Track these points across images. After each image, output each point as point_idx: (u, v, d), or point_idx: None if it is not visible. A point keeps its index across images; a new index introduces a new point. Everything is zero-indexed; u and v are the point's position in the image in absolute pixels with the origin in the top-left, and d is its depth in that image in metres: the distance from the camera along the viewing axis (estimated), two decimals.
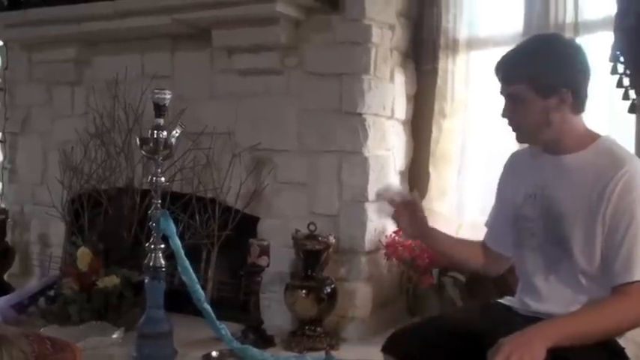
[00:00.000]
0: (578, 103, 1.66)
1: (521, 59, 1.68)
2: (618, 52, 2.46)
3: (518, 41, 2.80)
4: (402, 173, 3.23)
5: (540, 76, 1.63)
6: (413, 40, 3.24)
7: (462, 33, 3.11)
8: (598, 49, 2.62)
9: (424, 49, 3.17)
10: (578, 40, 2.69)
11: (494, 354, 1.43)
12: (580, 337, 1.49)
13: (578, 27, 2.71)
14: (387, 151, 3.08)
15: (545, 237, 1.71)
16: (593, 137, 1.69)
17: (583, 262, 1.63)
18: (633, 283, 1.52)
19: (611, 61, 2.47)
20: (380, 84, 2.99)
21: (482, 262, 1.97)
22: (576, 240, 1.63)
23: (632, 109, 2.48)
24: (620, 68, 2.47)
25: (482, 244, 1.97)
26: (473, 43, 3.10)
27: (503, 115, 1.70)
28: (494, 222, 1.94)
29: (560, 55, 1.65)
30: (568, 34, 2.71)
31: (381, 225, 3.03)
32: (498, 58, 1.73)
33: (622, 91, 2.49)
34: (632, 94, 2.47)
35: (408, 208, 1.86)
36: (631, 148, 2.51)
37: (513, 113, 1.68)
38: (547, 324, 1.52)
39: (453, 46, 3.12)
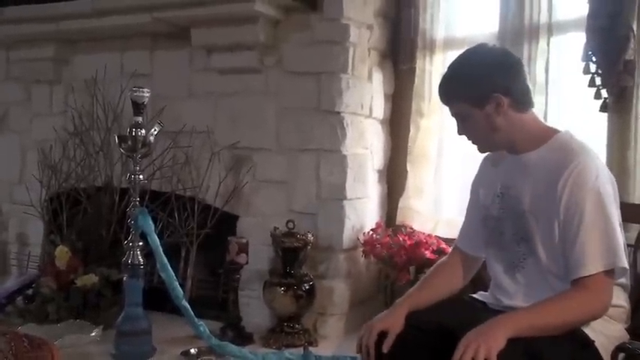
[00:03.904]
0: (517, 101, 1.71)
1: (450, 82, 1.76)
2: (590, 52, 2.51)
3: (494, 41, 2.92)
4: (380, 171, 3.26)
5: (469, 90, 1.70)
6: (391, 40, 3.27)
7: (439, 33, 3.14)
8: (571, 49, 2.67)
9: (402, 48, 3.20)
10: (553, 41, 2.78)
11: (457, 348, 1.48)
12: (540, 328, 1.53)
13: (551, 27, 2.75)
14: (365, 149, 3.11)
15: (511, 235, 1.75)
16: (550, 133, 1.74)
17: (547, 259, 1.68)
18: (590, 276, 1.56)
19: (583, 60, 2.51)
20: (358, 83, 3.02)
21: (462, 280, 1.96)
22: (539, 237, 1.68)
23: (603, 108, 2.53)
24: (593, 68, 2.52)
25: (458, 253, 1.97)
26: (450, 43, 3.13)
27: (459, 133, 1.79)
28: (469, 227, 1.96)
29: (480, 64, 1.73)
30: (542, 35, 2.77)
31: (359, 223, 3.06)
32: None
33: (594, 90, 2.53)
34: (603, 93, 2.52)
35: None
36: (603, 146, 2.57)
37: (464, 129, 1.77)
38: (507, 315, 1.57)
39: (430, 46, 3.15)
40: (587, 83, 2.53)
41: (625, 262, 1.59)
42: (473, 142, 1.80)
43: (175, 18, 3.11)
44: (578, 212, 1.59)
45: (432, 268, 2.02)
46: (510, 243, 1.76)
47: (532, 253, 1.70)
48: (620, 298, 1.69)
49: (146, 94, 2.56)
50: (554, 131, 1.75)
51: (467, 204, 2.00)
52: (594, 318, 1.59)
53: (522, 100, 1.72)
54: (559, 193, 1.61)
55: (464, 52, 1.81)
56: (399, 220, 3.18)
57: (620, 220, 1.68)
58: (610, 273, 1.58)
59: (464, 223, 1.99)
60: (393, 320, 1.78)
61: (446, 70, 1.79)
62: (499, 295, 1.79)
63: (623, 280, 1.69)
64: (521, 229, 1.72)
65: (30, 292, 3.20)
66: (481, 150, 1.84)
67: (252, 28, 2.98)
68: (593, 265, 1.56)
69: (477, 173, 1.97)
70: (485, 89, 1.68)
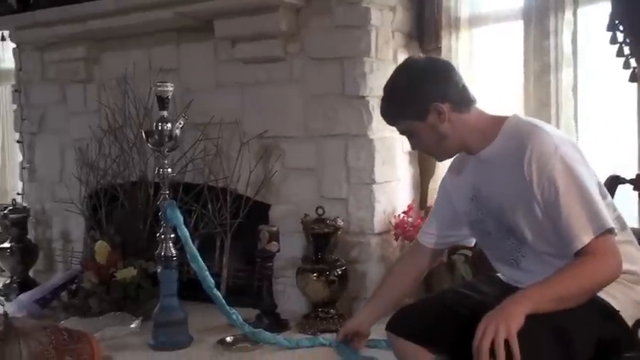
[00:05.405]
0: (456, 103, 1.72)
1: (387, 103, 1.81)
2: (617, 22, 2.43)
3: (520, 16, 2.87)
4: (410, 154, 3.23)
5: (407, 107, 1.74)
6: (416, 20, 3.23)
7: (464, 10, 3.09)
8: (598, 18, 2.60)
9: (426, 29, 3.16)
10: (579, 11, 2.71)
11: (477, 331, 1.48)
12: (558, 300, 1.52)
13: None
14: (393, 132, 3.06)
15: (497, 232, 1.76)
16: (498, 123, 1.74)
17: (538, 243, 1.67)
18: (587, 245, 1.55)
19: (609, 30, 2.44)
20: (382, 66, 2.99)
21: (423, 269, 2.09)
22: (522, 224, 1.67)
23: (632, 78, 2.46)
24: (620, 37, 2.44)
25: (418, 245, 2.05)
26: (475, 20, 3.08)
27: (412, 149, 1.89)
28: (429, 222, 2.05)
29: (411, 79, 1.75)
30: (568, 6, 2.71)
31: (390, 206, 3.05)
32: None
33: (623, 60, 2.46)
34: (632, 62, 2.44)
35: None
36: (633, 117, 2.50)
37: (416, 144, 1.83)
38: (522, 292, 1.55)
39: (456, 24, 3.10)
40: (615, 53, 2.46)
41: (610, 223, 1.57)
42: (429, 154, 1.90)
43: (197, 11, 3.13)
44: (553, 188, 1.58)
45: (395, 261, 2.29)
46: (500, 240, 1.77)
47: (523, 242, 1.70)
48: (633, 263, 1.66)
49: (170, 88, 2.60)
50: (502, 119, 1.75)
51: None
52: (610, 279, 1.57)
53: (461, 101, 1.73)
54: (527, 177, 1.61)
55: (394, 71, 1.85)
56: (430, 201, 3.16)
57: (597, 178, 1.68)
58: (605, 233, 1.56)
59: (428, 217, 2.08)
60: (358, 322, 2.10)
61: (384, 88, 1.82)
62: (513, 283, 1.80)
63: (622, 238, 1.66)
64: (503, 223, 1.72)
65: (73, 287, 3.30)
66: (439, 159, 1.93)
67: (274, 17, 2.98)
68: (585, 234, 1.55)
69: (443, 181, 2.01)
70: (422, 102, 1.71)
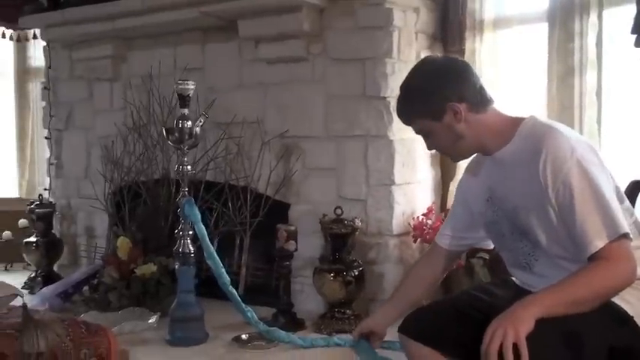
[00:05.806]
0: (473, 103, 1.70)
1: (403, 103, 1.79)
2: None
3: (544, 18, 2.83)
4: (432, 156, 3.22)
5: (423, 107, 1.72)
6: (440, 22, 3.22)
7: (489, 12, 3.07)
8: (623, 21, 2.56)
9: (449, 30, 3.15)
10: (604, 14, 2.67)
11: (485, 335, 1.47)
12: (570, 304, 1.50)
13: (602, 1, 2.65)
14: (414, 133, 3.07)
15: (510, 234, 1.74)
16: (516, 124, 1.71)
17: (552, 246, 1.65)
18: (601, 249, 1.52)
19: (633, 33, 2.41)
20: (405, 67, 2.96)
21: (441, 271, 2.05)
22: (537, 228, 1.65)
23: None
24: None
25: (436, 246, 2.03)
26: (499, 22, 3.07)
27: (428, 149, 1.86)
28: (446, 224, 2.03)
29: (428, 79, 1.74)
30: (593, 8, 2.68)
31: (410, 208, 3.04)
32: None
33: None
34: None
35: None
36: None
37: (432, 144, 1.81)
38: (532, 296, 1.54)
39: (480, 26, 3.09)
40: None
41: (626, 228, 1.54)
42: (444, 154, 1.89)
43: (222, 11, 3.16)
44: (568, 192, 1.56)
45: (414, 262, 2.26)
46: (513, 242, 1.75)
47: (536, 245, 1.68)
48: None
49: (191, 86, 2.62)
50: (519, 120, 1.72)
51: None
52: (625, 284, 1.54)
53: (478, 101, 1.71)
54: (542, 180, 1.59)
55: (411, 71, 1.82)
56: (450, 204, 3.13)
57: (615, 182, 1.65)
58: (620, 238, 1.53)
59: (446, 219, 2.07)
60: (374, 322, 2.08)
61: (400, 87, 1.81)
62: (526, 287, 1.78)
63: (639, 243, 1.62)
64: (517, 225, 1.71)
65: (95, 281, 3.34)
66: (455, 159, 1.92)
67: (297, 17, 2.99)
68: (599, 239, 1.53)
69: (460, 183, 2.01)
70: (439, 102, 1.70)
